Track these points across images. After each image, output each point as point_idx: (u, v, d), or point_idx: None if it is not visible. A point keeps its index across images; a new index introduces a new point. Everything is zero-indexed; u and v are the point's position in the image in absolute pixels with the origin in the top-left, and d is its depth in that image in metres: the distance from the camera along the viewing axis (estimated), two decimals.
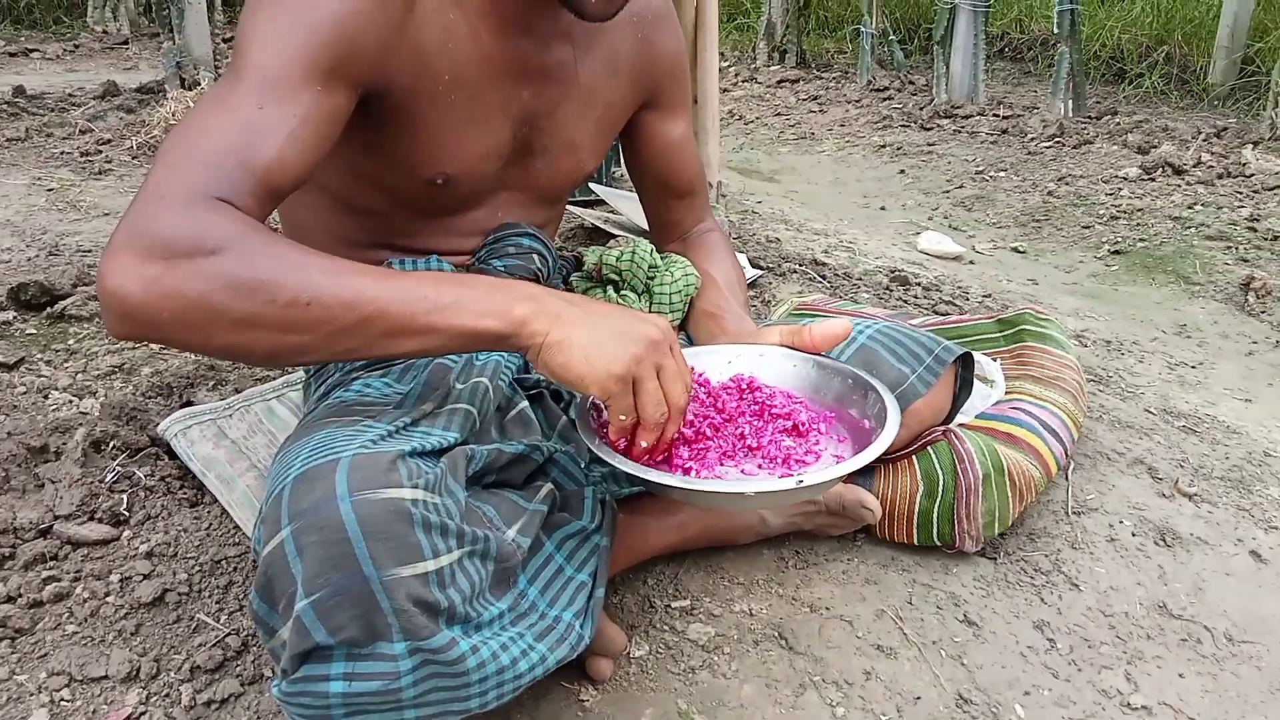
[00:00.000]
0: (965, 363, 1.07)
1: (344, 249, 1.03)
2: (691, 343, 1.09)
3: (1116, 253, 2.25)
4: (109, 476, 1.12)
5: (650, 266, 1.14)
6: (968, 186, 2.83)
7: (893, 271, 2.00)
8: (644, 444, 0.76)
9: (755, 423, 0.85)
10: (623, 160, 1.21)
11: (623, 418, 0.74)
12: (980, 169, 2.96)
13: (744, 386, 0.89)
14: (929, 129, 3.49)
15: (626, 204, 2.11)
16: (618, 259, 1.13)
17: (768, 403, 0.87)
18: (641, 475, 0.74)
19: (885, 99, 4.01)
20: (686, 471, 0.79)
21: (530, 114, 0.99)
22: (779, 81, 4.40)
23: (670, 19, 1.11)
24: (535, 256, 1.08)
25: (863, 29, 4.31)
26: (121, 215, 0.68)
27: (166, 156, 0.71)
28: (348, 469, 0.65)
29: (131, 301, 0.65)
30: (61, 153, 3.10)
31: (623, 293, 1.15)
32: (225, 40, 4.11)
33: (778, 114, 3.92)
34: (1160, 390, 1.53)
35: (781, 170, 3.18)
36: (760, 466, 0.81)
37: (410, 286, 0.70)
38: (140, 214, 0.67)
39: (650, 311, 1.11)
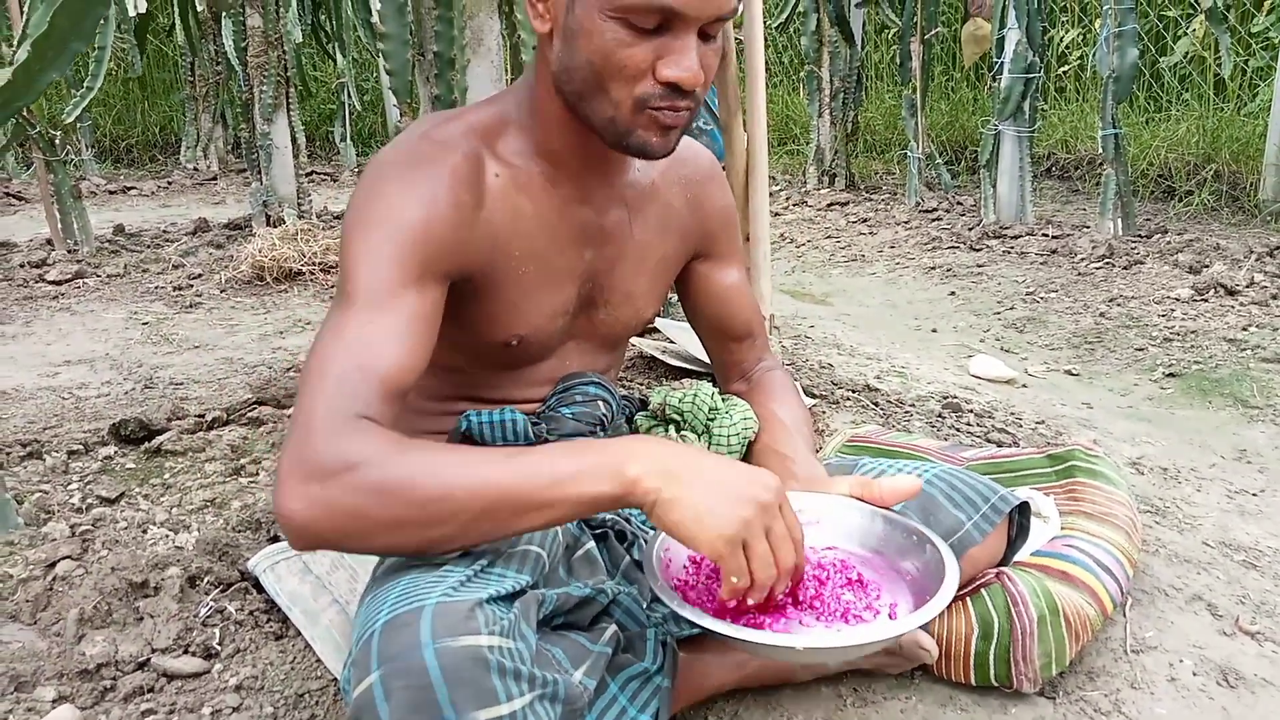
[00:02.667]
0: (1022, 509, 1.10)
1: (428, 403, 1.13)
2: None
3: (1172, 375, 2.26)
4: (203, 611, 1.20)
5: (711, 409, 1.21)
6: (1018, 308, 2.87)
7: (945, 398, 2.04)
8: (751, 602, 0.80)
9: (819, 573, 0.90)
10: (681, 306, 1.30)
11: (735, 580, 0.78)
12: (1030, 290, 3.01)
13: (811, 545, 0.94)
14: (978, 250, 3.56)
15: (682, 334, 2.20)
16: (680, 400, 1.21)
17: (832, 557, 0.92)
18: (699, 621, 0.79)
19: (934, 220, 4.11)
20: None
21: (592, 272, 1.09)
22: (829, 204, 4.54)
23: (717, 178, 1.21)
24: (600, 403, 1.16)
25: (909, 153, 4.45)
26: (282, 445, 0.79)
27: (306, 387, 0.82)
28: (431, 616, 0.71)
29: (299, 520, 0.76)
30: (156, 287, 3.33)
31: (683, 432, 1.22)
32: (308, 176, 4.40)
33: (828, 236, 4.04)
34: (1219, 521, 1.53)
35: (833, 293, 3.27)
36: (818, 619, 0.85)
37: (531, 465, 0.78)
38: (295, 443, 0.79)
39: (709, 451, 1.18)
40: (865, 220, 4.20)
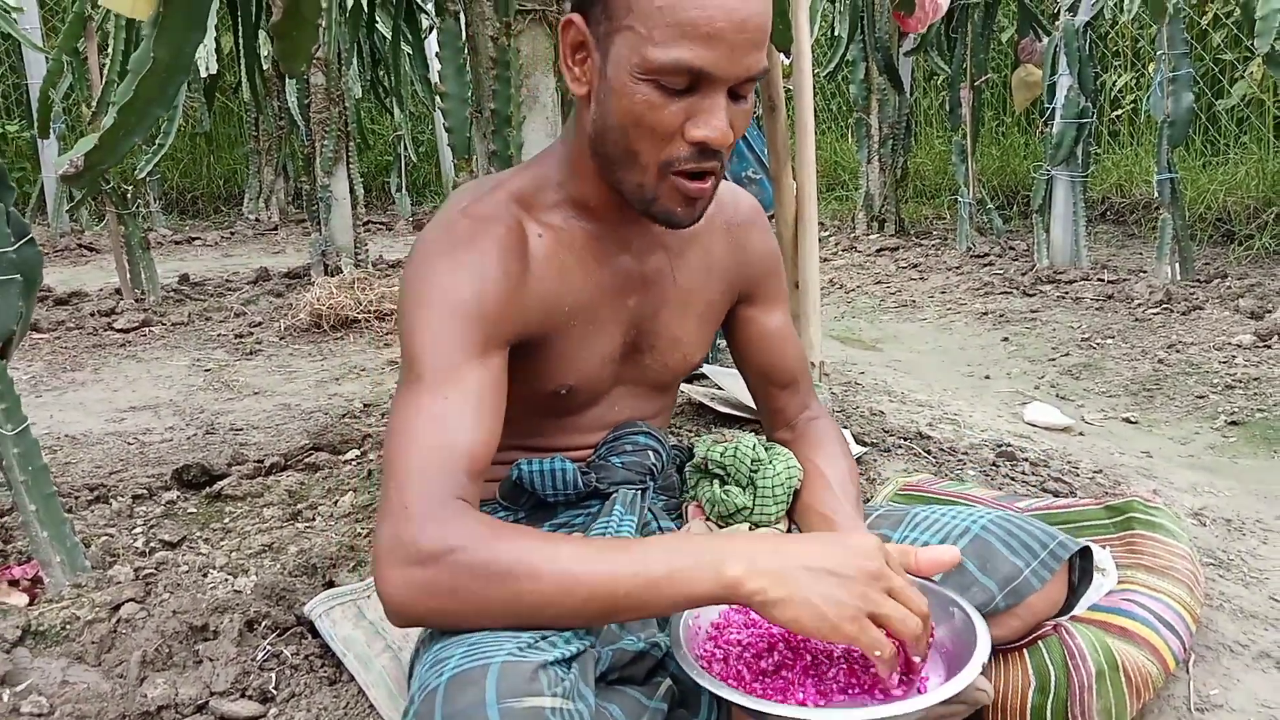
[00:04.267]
0: (1084, 554, 1.08)
1: None
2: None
3: (1234, 424, 2.20)
4: (260, 655, 1.22)
5: (754, 460, 1.21)
6: (1074, 354, 2.83)
7: (999, 446, 2.01)
8: (917, 659, 0.80)
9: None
10: (729, 351, 1.31)
11: (878, 653, 0.77)
12: (1086, 336, 2.97)
13: None
14: (1031, 295, 3.52)
15: (729, 380, 2.21)
16: (721, 454, 1.21)
17: None
18: (722, 694, 0.79)
19: (985, 265, 4.08)
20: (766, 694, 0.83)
21: (637, 318, 1.11)
22: (878, 250, 4.53)
23: (759, 222, 1.22)
24: (650, 453, 1.17)
25: (960, 198, 4.44)
26: (375, 528, 0.83)
27: (395, 469, 0.85)
28: (497, 676, 0.72)
29: (399, 601, 0.79)
30: (219, 335, 3.44)
31: (726, 487, 1.21)
32: (364, 226, 4.52)
33: (878, 282, 4.03)
34: None
35: (883, 339, 3.25)
36: (847, 693, 0.84)
37: (626, 564, 0.79)
38: (392, 524, 0.81)
39: (755, 504, 1.17)
40: (915, 265, 4.18)
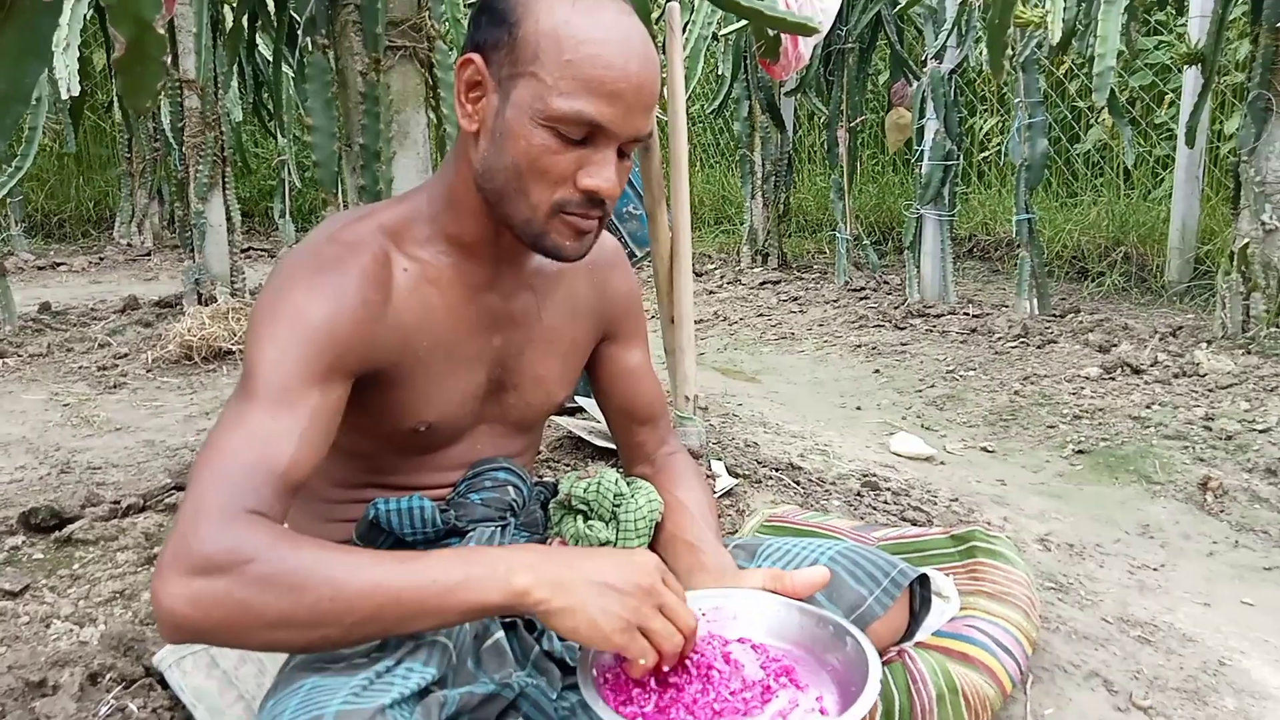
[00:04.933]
0: (923, 581, 1.14)
1: (336, 490, 1.13)
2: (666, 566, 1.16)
3: (1081, 452, 2.35)
4: (103, 710, 1.16)
5: (616, 495, 1.23)
6: (939, 386, 2.97)
7: (864, 476, 2.09)
8: (667, 668, 0.85)
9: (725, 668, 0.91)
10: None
11: (643, 661, 0.82)
12: (951, 368, 3.12)
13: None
14: (902, 328, 3.68)
15: None
16: (585, 490, 1.22)
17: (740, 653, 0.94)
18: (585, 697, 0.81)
19: (861, 299, 4.24)
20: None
21: (501, 357, 1.12)
22: (761, 283, 4.65)
23: (621, 263, 1.26)
24: (510, 488, 1.17)
25: (838, 234, 4.61)
26: (167, 536, 0.79)
27: (199, 477, 0.83)
28: None
29: (179, 614, 0.75)
30: (80, 367, 3.27)
31: (590, 522, 1.23)
32: (244, 253, 4.39)
33: (760, 314, 4.14)
34: (1119, 596, 1.59)
35: (763, 370, 3.34)
36: (745, 714, 0.86)
37: (420, 571, 0.80)
38: (182, 534, 0.78)
39: (618, 538, 1.19)
40: (796, 299, 4.32)
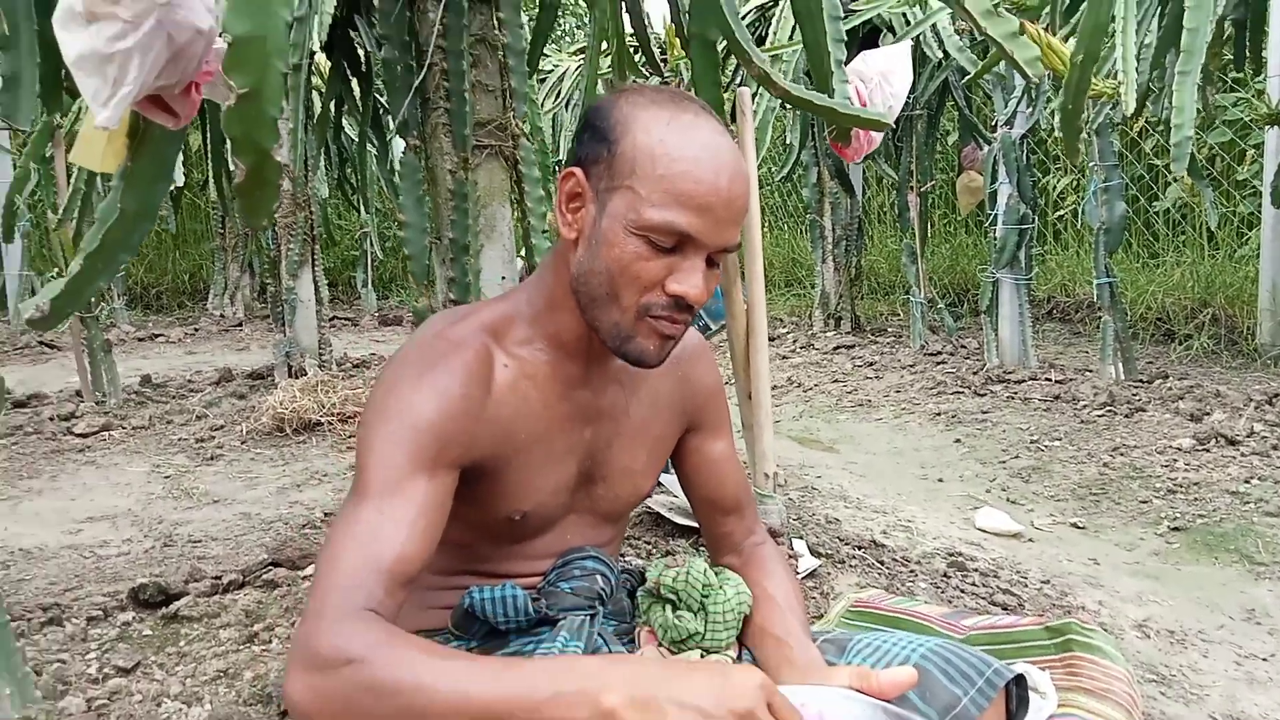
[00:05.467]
0: (1019, 680, 1.12)
1: (434, 577, 1.17)
2: (754, 659, 1.17)
3: (1177, 529, 2.27)
4: None
5: (704, 585, 1.25)
6: (1023, 456, 2.91)
7: (950, 555, 2.06)
8: None
9: None
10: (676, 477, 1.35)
11: None
12: (1035, 438, 3.05)
13: None
14: (982, 395, 3.62)
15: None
16: (673, 579, 1.24)
17: None
18: None
19: (939, 363, 4.19)
20: None
21: (591, 450, 1.16)
22: (835, 348, 4.64)
23: (705, 355, 1.29)
24: (598, 577, 1.20)
25: (912, 298, 4.58)
26: (295, 634, 0.85)
27: (319, 575, 0.88)
28: None
29: (300, 706, 0.81)
30: (179, 439, 3.42)
31: (678, 612, 1.25)
32: (329, 323, 4.57)
33: (835, 380, 4.12)
34: (1227, 690, 1.53)
35: (840, 439, 3.32)
36: None
37: (510, 683, 0.82)
38: (305, 631, 0.84)
39: (706, 629, 1.20)
40: (871, 364, 4.29)
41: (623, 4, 2.08)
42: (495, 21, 1.67)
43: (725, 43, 1.59)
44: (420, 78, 1.65)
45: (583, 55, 5.57)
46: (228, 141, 1.01)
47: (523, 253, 1.88)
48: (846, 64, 1.73)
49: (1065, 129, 1.62)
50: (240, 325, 6.08)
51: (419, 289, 1.77)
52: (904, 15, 4.02)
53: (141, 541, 2.42)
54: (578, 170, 1.02)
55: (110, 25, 0.97)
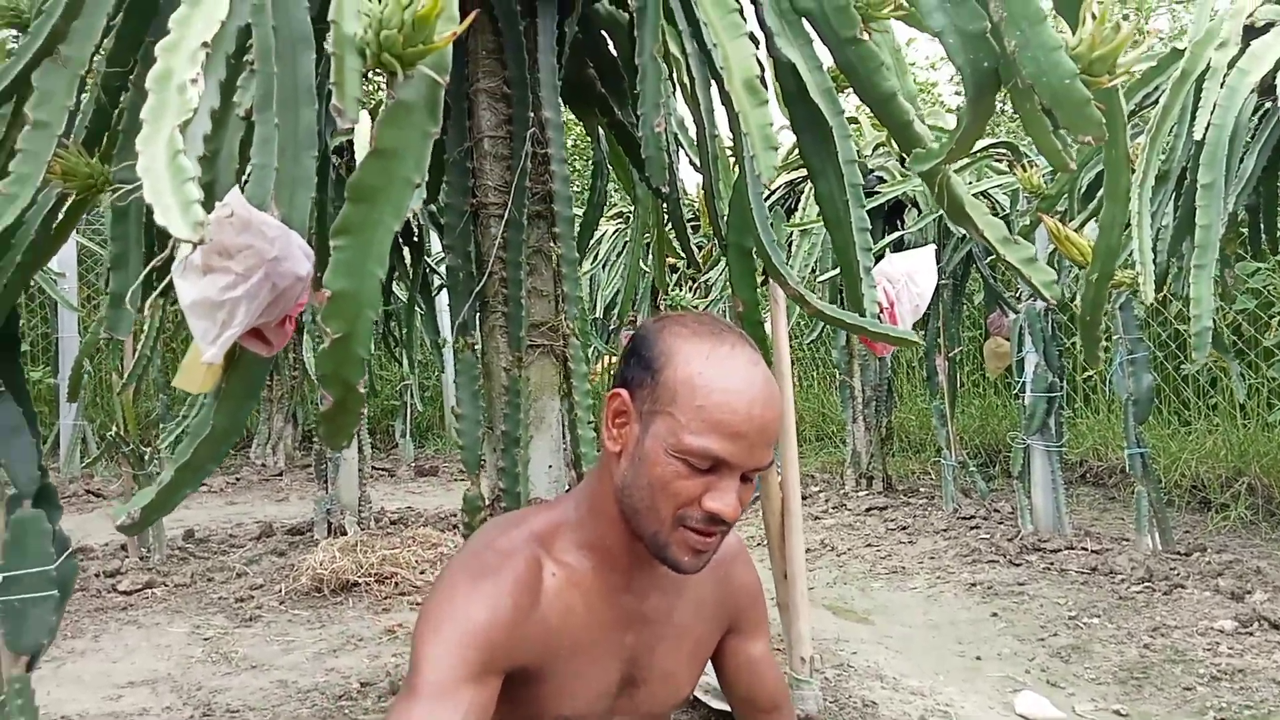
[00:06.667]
0: None
1: None
2: None
3: None
4: None
5: None
6: (1062, 634, 2.88)
7: None
8: None
9: None
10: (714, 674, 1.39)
11: None
12: (1074, 614, 3.02)
13: None
14: (1018, 564, 3.60)
15: None
16: None
17: None
18: None
19: (972, 528, 4.18)
20: None
21: (633, 655, 1.21)
22: (867, 509, 4.65)
23: (743, 556, 1.36)
24: None
25: (943, 460, 4.61)
26: None
27: None
28: None
29: None
30: (219, 598, 3.47)
31: None
32: (373, 476, 4.67)
33: (868, 544, 4.11)
34: None
35: (875, 610, 3.30)
36: None
37: None
38: None
39: None
40: (904, 528, 4.29)
41: (664, 205, 2.25)
42: (551, 235, 1.82)
43: (759, 258, 1.73)
44: (480, 284, 1.80)
45: (620, 219, 5.85)
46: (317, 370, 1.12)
47: (567, 442, 1.97)
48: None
49: (1085, 339, 1.71)
50: (280, 475, 6.20)
51: (470, 477, 1.86)
52: (927, 194, 4.23)
53: (181, 710, 2.45)
54: (624, 391, 1.12)
55: (223, 277, 1.11)
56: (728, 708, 2.15)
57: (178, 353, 7.61)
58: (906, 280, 2.00)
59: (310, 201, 1.30)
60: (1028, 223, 3.48)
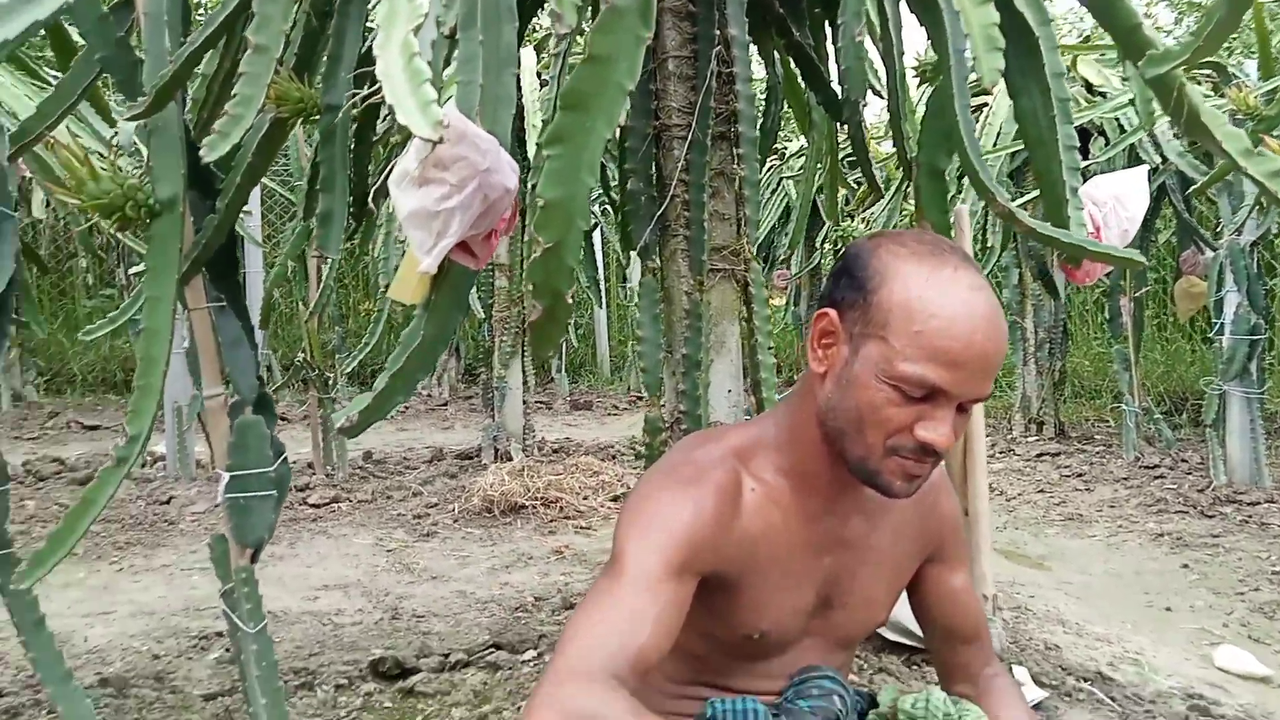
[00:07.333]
0: None
1: (670, 685, 1.23)
2: None
3: None
4: None
5: (945, 714, 1.24)
6: (1264, 589, 2.68)
7: (1190, 696, 1.92)
8: None
9: None
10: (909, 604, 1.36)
11: None
12: (1277, 569, 2.81)
13: None
14: (1211, 516, 3.37)
15: (904, 609, 2.22)
16: (912, 706, 1.25)
17: None
18: None
19: (1156, 477, 3.94)
20: None
21: (831, 577, 1.19)
22: (1038, 455, 4.45)
23: (946, 485, 1.31)
24: (835, 698, 1.22)
25: (1125, 406, 4.34)
26: (540, 679, 0.93)
27: (572, 636, 0.96)
28: None
29: None
30: (398, 515, 3.69)
31: None
32: (535, 408, 4.83)
33: (1040, 490, 3.94)
34: None
35: (1050, 555, 3.16)
36: None
37: None
38: (551, 682, 0.91)
39: None
40: (1080, 475, 4.08)
41: (844, 128, 2.17)
42: (734, 156, 1.79)
43: (962, 173, 1.64)
44: (662, 208, 1.79)
45: (774, 155, 5.72)
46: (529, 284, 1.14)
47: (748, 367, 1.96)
48: None
49: None
50: (445, 405, 6.50)
51: (651, 400, 1.88)
52: (1116, 120, 3.92)
53: (371, 613, 2.63)
54: (831, 311, 1.08)
55: (438, 188, 1.14)
56: (901, 639, 2.12)
57: (349, 288, 8.05)
58: (1115, 203, 1.85)
59: (511, 118, 1.31)
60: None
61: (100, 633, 2.42)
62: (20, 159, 1.74)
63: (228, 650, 2.17)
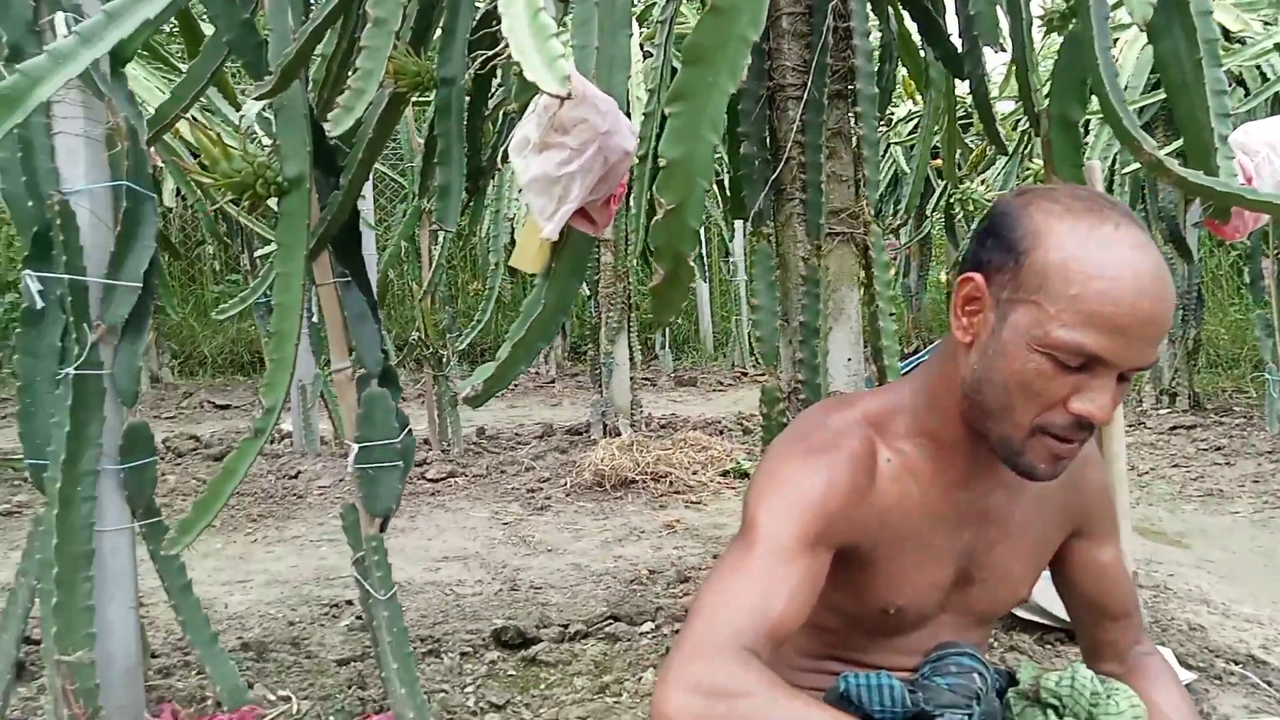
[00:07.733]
0: None
1: (802, 659, 1.21)
2: None
3: None
4: None
5: (1093, 694, 1.18)
6: None
7: None
8: None
9: None
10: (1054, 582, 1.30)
11: None
12: None
13: None
14: None
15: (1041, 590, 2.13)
16: (1057, 684, 1.19)
17: None
18: None
19: None
20: None
21: (970, 551, 1.14)
22: (1171, 428, 4.21)
23: (1093, 458, 1.23)
24: (975, 675, 1.17)
25: (1268, 375, 4.06)
26: (670, 654, 0.91)
27: (704, 608, 0.94)
28: None
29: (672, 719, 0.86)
30: (512, 488, 3.76)
31: (1064, 718, 1.19)
32: (640, 385, 4.84)
33: (1175, 465, 3.73)
34: None
35: (1189, 533, 2.99)
36: None
37: None
38: (688, 657, 0.89)
39: None
40: (1219, 448, 3.84)
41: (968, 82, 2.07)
42: (852, 116, 1.73)
43: (1106, 123, 1.54)
44: (777, 171, 1.74)
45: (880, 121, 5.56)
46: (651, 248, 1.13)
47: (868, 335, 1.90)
48: None
49: None
50: (553, 382, 6.58)
51: (767, 370, 1.84)
52: (1258, 68, 3.64)
53: (490, 584, 2.68)
54: (977, 275, 1.00)
55: (559, 153, 1.13)
56: (1034, 617, 2.04)
57: (458, 269, 8.23)
58: (1268, 152, 1.72)
59: (626, 81, 1.30)
60: None
61: (239, 600, 2.54)
62: (153, 147, 1.82)
63: (358, 618, 2.25)
